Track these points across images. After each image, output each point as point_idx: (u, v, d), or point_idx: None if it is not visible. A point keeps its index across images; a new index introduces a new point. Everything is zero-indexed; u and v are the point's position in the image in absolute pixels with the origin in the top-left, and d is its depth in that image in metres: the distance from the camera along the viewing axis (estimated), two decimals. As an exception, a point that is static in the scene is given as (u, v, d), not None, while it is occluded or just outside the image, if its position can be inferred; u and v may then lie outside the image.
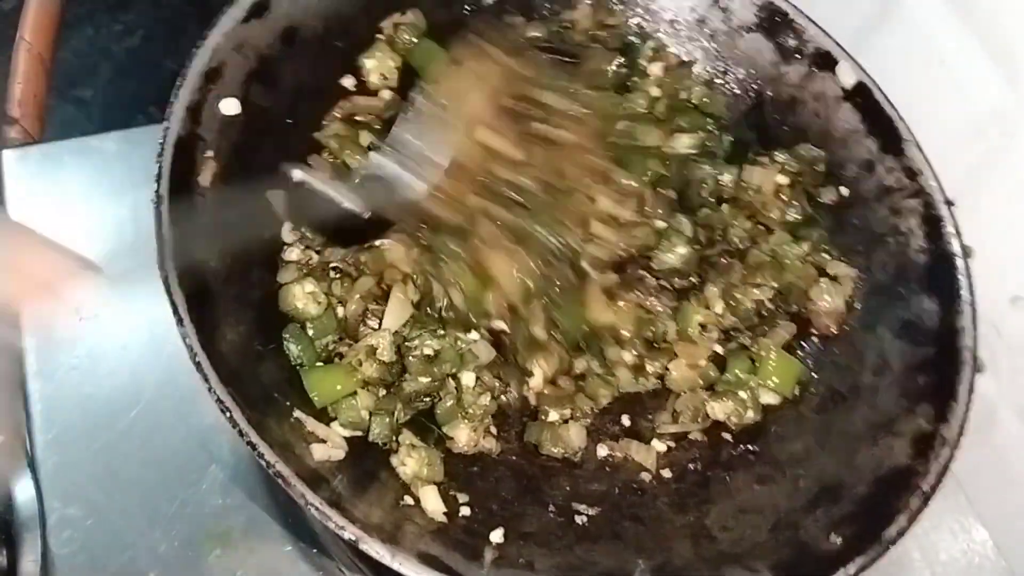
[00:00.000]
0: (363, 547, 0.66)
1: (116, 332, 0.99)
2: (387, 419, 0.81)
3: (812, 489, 0.85)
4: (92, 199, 1.08)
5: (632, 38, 1.08)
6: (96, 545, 0.88)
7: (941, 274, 0.92)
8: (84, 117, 1.67)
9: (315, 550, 0.91)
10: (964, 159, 0.96)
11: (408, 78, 1.00)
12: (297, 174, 0.82)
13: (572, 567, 0.76)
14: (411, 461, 0.81)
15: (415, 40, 1.00)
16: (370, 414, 0.81)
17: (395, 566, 0.66)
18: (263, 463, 0.66)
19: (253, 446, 0.67)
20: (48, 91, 1.23)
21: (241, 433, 0.67)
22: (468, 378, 0.85)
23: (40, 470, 0.91)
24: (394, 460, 0.81)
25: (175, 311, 0.70)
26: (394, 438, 0.82)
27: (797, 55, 1.03)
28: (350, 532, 0.66)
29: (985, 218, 0.95)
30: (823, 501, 0.83)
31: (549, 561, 0.76)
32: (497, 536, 0.78)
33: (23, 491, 0.90)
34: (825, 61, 1.02)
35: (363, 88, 1.00)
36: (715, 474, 0.89)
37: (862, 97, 1.00)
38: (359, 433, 0.81)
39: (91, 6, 1.73)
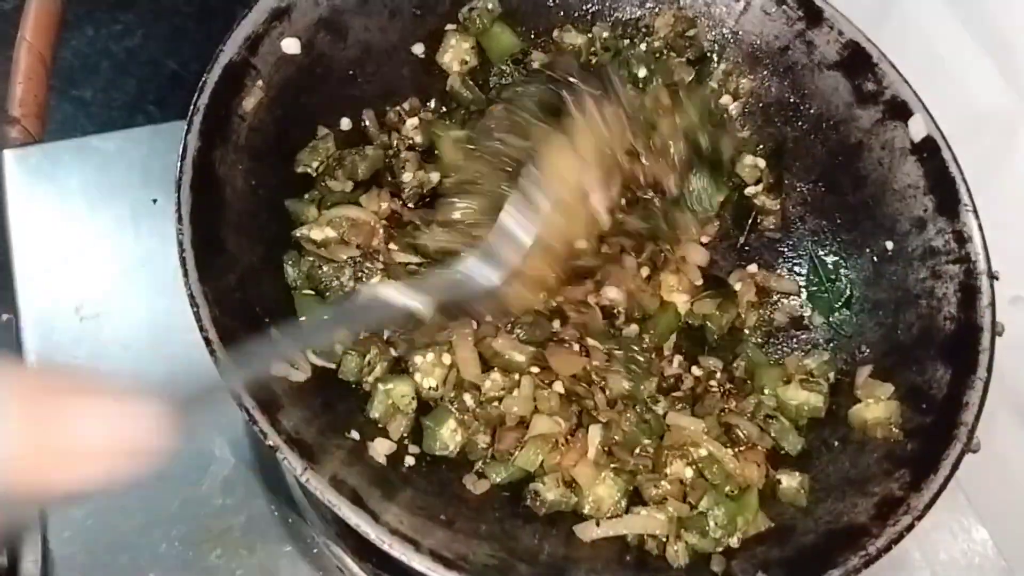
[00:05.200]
0: (280, 457, 0.69)
1: (116, 332, 1.01)
2: (358, 360, 0.84)
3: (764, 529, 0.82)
4: (92, 199, 1.09)
5: (709, 53, 1.07)
6: (96, 545, 0.89)
7: (964, 346, 0.87)
8: (84, 117, 1.67)
9: (315, 550, 0.93)
10: (963, 159, 0.94)
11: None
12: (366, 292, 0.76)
13: (489, 536, 0.77)
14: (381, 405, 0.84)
15: (487, 24, 1.02)
16: (344, 352, 0.84)
17: (303, 480, 0.69)
18: (213, 359, 0.71)
19: (208, 342, 0.71)
20: (48, 91, 1.23)
21: (202, 329, 0.72)
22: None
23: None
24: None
25: (177, 208, 0.76)
26: (363, 380, 0.85)
27: (873, 100, 1.00)
28: (271, 439, 0.69)
29: (984, 218, 0.92)
30: (768, 541, 0.80)
31: (468, 524, 0.77)
32: (429, 490, 0.80)
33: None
34: (900, 111, 0.98)
35: (431, 60, 1.03)
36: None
37: (929, 152, 0.96)
38: (331, 366, 0.85)
39: (91, 6, 1.74)
